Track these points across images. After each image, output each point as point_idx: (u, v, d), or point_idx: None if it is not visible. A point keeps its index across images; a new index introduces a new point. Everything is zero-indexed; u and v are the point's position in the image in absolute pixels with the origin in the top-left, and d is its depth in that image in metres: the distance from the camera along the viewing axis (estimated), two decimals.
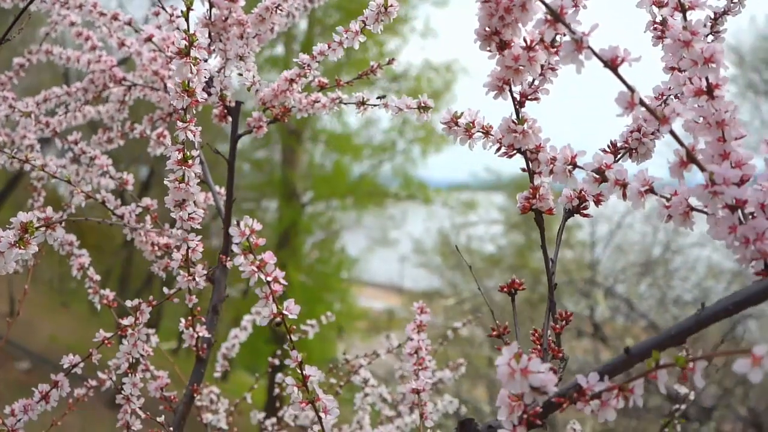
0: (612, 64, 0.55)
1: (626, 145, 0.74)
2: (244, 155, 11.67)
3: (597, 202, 0.73)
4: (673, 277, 6.50)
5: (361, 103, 1.03)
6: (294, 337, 1.50)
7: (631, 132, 0.74)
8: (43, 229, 0.74)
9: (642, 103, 0.55)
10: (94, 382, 1.22)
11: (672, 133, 0.56)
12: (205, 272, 0.98)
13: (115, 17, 1.17)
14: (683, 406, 1.18)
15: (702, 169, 0.56)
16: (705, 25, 0.78)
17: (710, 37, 0.78)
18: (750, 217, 0.57)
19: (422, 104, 0.91)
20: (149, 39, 1.11)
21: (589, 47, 0.54)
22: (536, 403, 0.59)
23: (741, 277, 6.72)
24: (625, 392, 0.54)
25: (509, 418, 0.58)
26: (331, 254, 11.84)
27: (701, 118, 0.60)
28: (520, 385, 0.54)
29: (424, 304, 1.08)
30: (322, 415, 0.70)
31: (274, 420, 1.46)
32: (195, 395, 1.06)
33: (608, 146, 0.75)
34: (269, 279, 0.67)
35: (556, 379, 0.56)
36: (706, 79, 0.58)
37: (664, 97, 0.75)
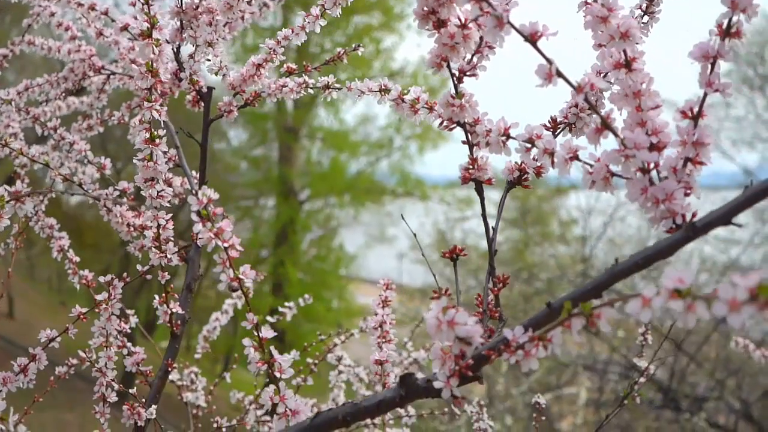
0: (532, 38, 0.59)
1: (565, 120, 0.79)
2: (242, 153, 11.73)
3: (537, 174, 0.77)
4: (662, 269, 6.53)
5: (326, 87, 1.08)
6: (272, 319, 1.53)
7: (570, 107, 0.78)
8: (12, 202, 0.78)
9: (559, 74, 0.59)
10: (74, 360, 1.26)
11: (587, 101, 0.60)
12: (177, 249, 1.02)
13: (92, 7, 1.21)
14: (642, 380, 1.22)
15: (615, 135, 0.60)
16: (640, 6, 0.83)
17: (645, 18, 0.83)
18: (664, 179, 0.61)
19: (383, 87, 0.95)
20: (125, 28, 1.15)
21: (509, 23, 0.59)
22: (468, 357, 0.63)
23: (732, 268, 6.77)
24: (544, 342, 0.59)
25: (442, 370, 0.63)
26: (329, 251, 11.88)
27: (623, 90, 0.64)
28: (447, 335, 0.59)
29: (389, 280, 1.13)
30: (277, 374, 0.75)
31: (251, 398, 1.50)
32: (169, 370, 1.11)
33: (548, 121, 0.79)
34: (226, 245, 0.72)
35: (481, 330, 0.60)
36: (624, 52, 0.63)
37: (602, 75, 0.79)
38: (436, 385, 0.64)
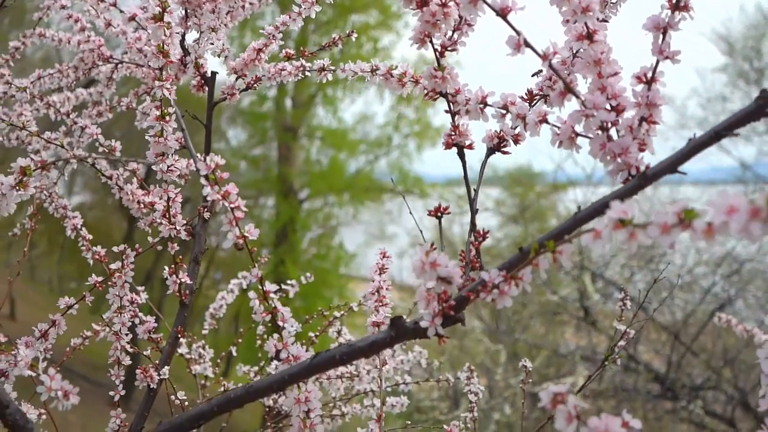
0: (502, 12, 0.67)
1: (540, 92, 0.86)
2: (241, 153, 11.80)
3: (515, 141, 0.84)
4: (660, 261, 6.64)
5: (322, 69, 1.15)
6: (270, 296, 1.60)
7: (545, 80, 0.86)
8: (39, 171, 0.86)
9: (527, 44, 0.67)
10: (89, 333, 1.33)
11: (551, 67, 0.68)
12: (185, 222, 1.10)
13: None
14: (622, 343, 1.30)
15: (577, 97, 0.68)
16: None
17: None
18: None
19: (373, 68, 1.03)
20: (133, 18, 1.22)
21: None
22: (451, 298, 0.71)
23: (728, 259, 6.85)
24: (516, 280, 0.66)
25: (427, 310, 0.70)
26: (329, 250, 11.94)
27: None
28: (430, 275, 0.66)
29: (385, 250, 1.21)
30: (280, 323, 0.82)
31: (256, 368, 1.58)
32: (179, 336, 1.18)
33: (525, 93, 0.87)
34: (233, 206, 0.79)
35: (460, 272, 0.68)
36: (586, 25, 0.70)
37: (574, 51, 0.87)
38: (422, 324, 0.71)
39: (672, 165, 0.63)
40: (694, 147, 0.62)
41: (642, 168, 0.67)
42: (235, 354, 1.64)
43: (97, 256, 1.26)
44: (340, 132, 11.80)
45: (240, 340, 1.69)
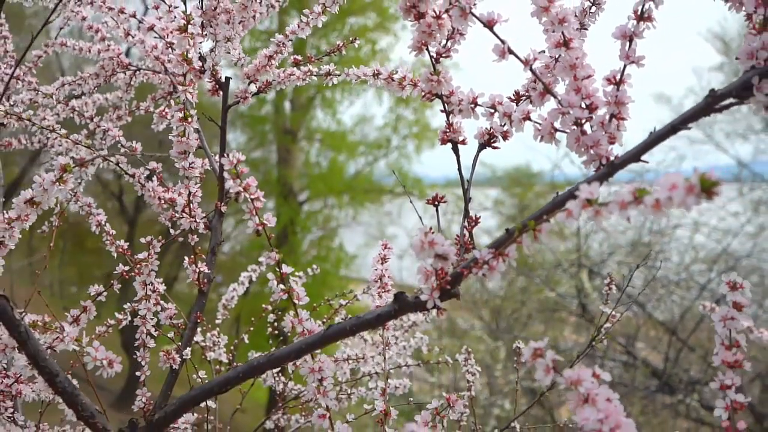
0: (489, 24, 0.77)
1: (527, 93, 0.96)
2: None
3: (504, 137, 0.94)
4: (656, 259, 6.74)
5: (328, 74, 1.26)
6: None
7: (530, 83, 0.96)
8: (77, 168, 0.95)
9: (510, 51, 0.77)
10: (112, 321, 1.43)
11: (532, 71, 0.78)
12: (204, 215, 1.20)
13: (121, 11, 1.38)
14: (608, 325, 1.39)
15: (555, 97, 0.78)
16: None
17: (593, 8, 1.00)
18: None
19: (376, 72, 1.13)
20: (151, 28, 1.32)
21: (471, 12, 0.76)
22: (447, 274, 0.81)
23: (724, 256, 6.96)
24: (503, 256, 0.76)
25: (426, 285, 0.80)
26: (329, 251, 12.03)
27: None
28: (428, 253, 0.76)
29: (387, 241, 1.30)
30: (295, 301, 0.92)
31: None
32: (198, 321, 1.28)
33: (513, 94, 0.96)
34: (253, 197, 0.89)
35: (455, 251, 0.78)
36: (563, 34, 0.80)
37: (555, 56, 0.97)
38: (422, 297, 0.81)
39: (636, 155, 0.73)
40: (654, 139, 0.72)
41: (612, 158, 0.77)
42: (247, 341, 1.74)
43: (120, 250, 1.36)
44: (339, 134, 11.91)
45: (252, 329, 1.80)
